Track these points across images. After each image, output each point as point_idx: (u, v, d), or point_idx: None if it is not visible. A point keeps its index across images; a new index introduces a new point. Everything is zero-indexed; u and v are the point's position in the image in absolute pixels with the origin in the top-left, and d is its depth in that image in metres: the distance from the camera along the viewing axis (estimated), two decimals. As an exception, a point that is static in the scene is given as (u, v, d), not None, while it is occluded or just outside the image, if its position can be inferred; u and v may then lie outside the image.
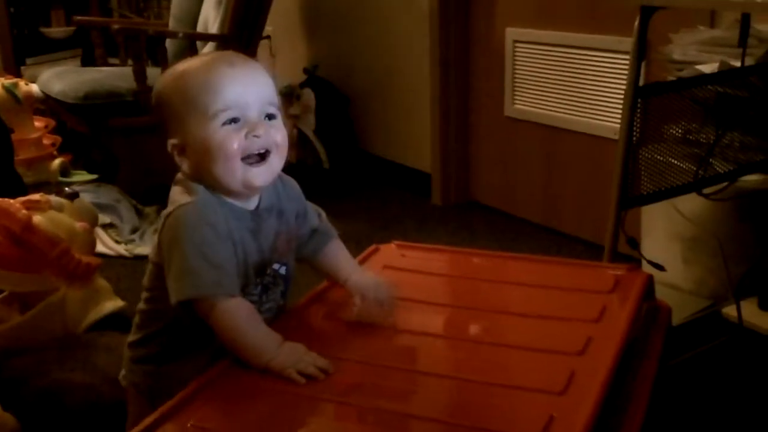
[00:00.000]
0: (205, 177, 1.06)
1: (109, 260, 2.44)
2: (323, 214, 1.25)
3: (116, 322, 1.86)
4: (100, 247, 2.34)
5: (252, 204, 1.11)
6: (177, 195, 1.08)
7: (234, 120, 1.04)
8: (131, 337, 1.17)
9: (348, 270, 1.22)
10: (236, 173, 1.05)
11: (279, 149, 1.08)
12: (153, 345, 1.13)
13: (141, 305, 1.16)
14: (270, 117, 1.07)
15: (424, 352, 1.12)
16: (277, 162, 1.08)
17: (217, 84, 1.04)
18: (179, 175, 1.11)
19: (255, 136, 1.05)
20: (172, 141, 1.09)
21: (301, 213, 1.20)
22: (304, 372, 1.01)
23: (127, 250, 2.58)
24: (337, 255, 1.24)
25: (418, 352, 1.12)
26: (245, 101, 1.05)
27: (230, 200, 1.08)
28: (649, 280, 1.31)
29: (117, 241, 2.63)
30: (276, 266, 1.14)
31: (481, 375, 1.04)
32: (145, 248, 2.53)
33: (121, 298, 1.97)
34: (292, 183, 1.20)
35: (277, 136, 1.07)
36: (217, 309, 1.01)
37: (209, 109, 1.04)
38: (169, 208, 1.06)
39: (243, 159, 1.05)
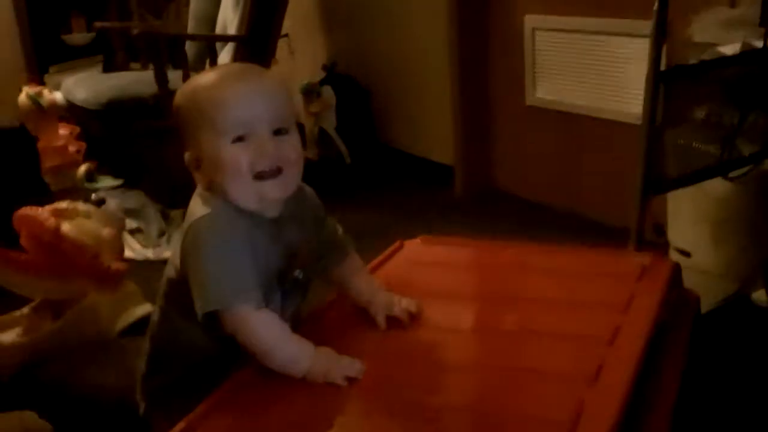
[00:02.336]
0: (221, 192, 1.06)
1: (137, 264, 2.46)
2: (340, 229, 1.24)
3: (146, 325, 1.88)
4: (127, 252, 2.36)
5: (272, 213, 1.10)
6: (195, 208, 1.08)
7: (243, 137, 1.04)
8: (143, 365, 1.17)
9: (365, 290, 1.20)
10: (248, 190, 1.05)
11: (293, 165, 1.07)
12: (172, 372, 1.13)
13: (152, 329, 1.16)
14: (280, 132, 1.06)
15: (453, 345, 1.12)
16: (292, 176, 1.08)
17: (226, 101, 1.04)
18: (199, 188, 1.11)
19: (263, 154, 1.04)
20: (188, 154, 1.09)
21: (319, 222, 1.20)
22: (346, 373, 1.01)
23: (154, 254, 2.60)
24: (353, 273, 1.22)
25: (447, 346, 1.12)
26: (254, 118, 1.04)
27: (249, 210, 1.07)
28: (677, 269, 1.30)
29: (144, 246, 2.65)
30: (297, 272, 1.14)
31: (511, 362, 1.05)
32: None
33: (150, 301, 1.99)
34: (311, 192, 1.20)
35: (290, 152, 1.06)
36: (246, 323, 1.01)
37: (219, 126, 1.03)
38: (188, 221, 1.06)
39: (254, 176, 1.04)
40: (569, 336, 1.09)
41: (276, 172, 1.05)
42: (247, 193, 1.05)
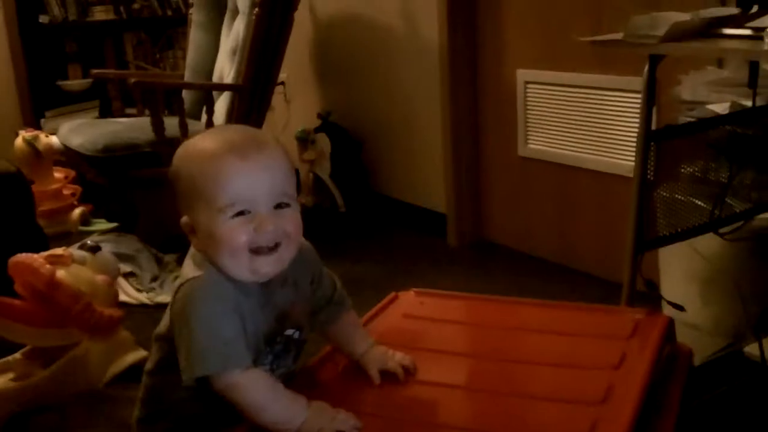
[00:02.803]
0: (213, 261, 1.05)
1: (131, 309, 2.45)
2: (339, 283, 1.23)
3: (138, 373, 1.88)
4: (121, 296, 2.36)
5: (263, 278, 1.08)
6: (187, 269, 1.07)
7: (242, 212, 1.02)
8: (138, 413, 1.16)
9: (359, 345, 1.20)
10: (242, 264, 1.03)
11: (290, 239, 1.05)
12: (165, 422, 1.12)
13: (146, 379, 1.15)
14: (281, 206, 1.05)
15: (445, 404, 1.12)
16: (287, 252, 1.06)
17: (225, 178, 1.01)
18: (192, 249, 1.10)
19: (263, 231, 1.02)
20: (184, 219, 1.08)
21: (315, 278, 1.19)
22: (340, 430, 1.01)
23: (148, 299, 2.60)
24: (350, 329, 1.22)
25: (439, 405, 1.12)
26: (254, 195, 1.02)
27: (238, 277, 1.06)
28: (670, 324, 1.31)
29: (138, 290, 2.65)
30: (290, 332, 1.13)
31: (502, 427, 1.04)
32: (166, 296, 2.55)
33: (143, 347, 1.99)
34: (309, 248, 1.17)
35: (288, 226, 1.05)
36: (234, 385, 1.00)
37: (216, 202, 1.01)
38: (179, 281, 1.06)
39: (251, 250, 1.03)
40: (562, 396, 1.09)
41: (273, 248, 1.04)
42: (240, 268, 1.04)
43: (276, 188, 1.04)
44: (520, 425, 1.05)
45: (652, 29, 1.40)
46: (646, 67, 1.49)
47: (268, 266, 1.05)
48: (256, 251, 1.03)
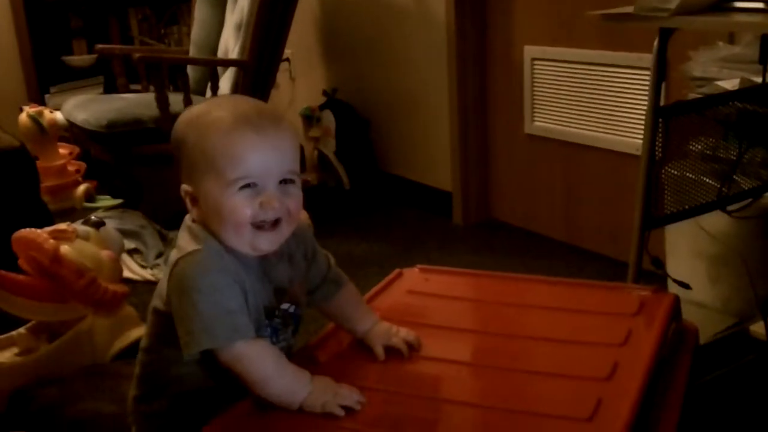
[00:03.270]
0: (213, 232, 1.05)
1: (135, 285, 2.46)
2: (332, 260, 1.23)
3: (142, 349, 1.88)
4: (125, 273, 2.36)
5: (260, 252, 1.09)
6: (184, 242, 1.06)
7: (249, 185, 1.02)
8: (135, 391, 1.15)
9: (361, 321, 1.20)
10: (244, 238, 1.03)
11: (291, 216, 1.06)
12: (164, 399, 1.11)
13: (141, 356, 1.14)
14: (286, 182, 1.05)
15: (449, 380, 1.12)
16: (287, 229, 1.06)
17: (240, 152, 1.01)
18: (187, 220, 1.09)
19: (268, 206, 1.03)
20: (185, 187, 1.07)
21: (310, 255, 1.18)
22: (343, 404, 1.01)
23: (152, 275, 2.60)
24: (350, 307, 1.21)
25: (443, 380, 1.12)
26: (264, 170, 1.02)
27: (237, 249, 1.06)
28: (676, 302, 1.30)
29: (142, 266, 2.65)
30: (285, 306, 1.12)
31: (507, 402, 1.04)
32: (170, 273, 2.55)
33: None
34: (303, 225, 1.17)
35: (291, 203, 1.05)
36: (240, 356, 1.00)
37: (226, 174, 1.01)
38: (176, 256, 1.05)
39: (253, 225, 1.03)
40: (567, 372, 1.08)
41: (274, 225, 1.05)
42: (242, 241, 1.04)
43: (285, 165, 1.04)
44: (525, 401, 1.04)
45: (664, 2, 1.38)
46: (656, 42, 1.47)
47: (266, 243, 1.05)
48: (258, 226, 1.04)
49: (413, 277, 1.46)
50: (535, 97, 2.77)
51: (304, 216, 1.25)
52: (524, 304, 1.34)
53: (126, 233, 2.65)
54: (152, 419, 1.13)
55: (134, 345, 1.90)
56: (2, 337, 1.87)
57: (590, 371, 1.07)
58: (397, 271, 1.47)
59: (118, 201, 3.27)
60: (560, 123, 2.69)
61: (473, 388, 1.12)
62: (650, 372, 1.07)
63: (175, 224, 3.03)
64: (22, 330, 1.90)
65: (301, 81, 3.71)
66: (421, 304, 1.35)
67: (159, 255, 2.72)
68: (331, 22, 3.59)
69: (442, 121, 3.04)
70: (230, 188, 1.02)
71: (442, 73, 2.98)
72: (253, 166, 1.02)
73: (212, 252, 1.03)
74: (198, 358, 1.03)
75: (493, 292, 1.42)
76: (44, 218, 2.31)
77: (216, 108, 1.07)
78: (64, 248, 1.80)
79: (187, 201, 1.08)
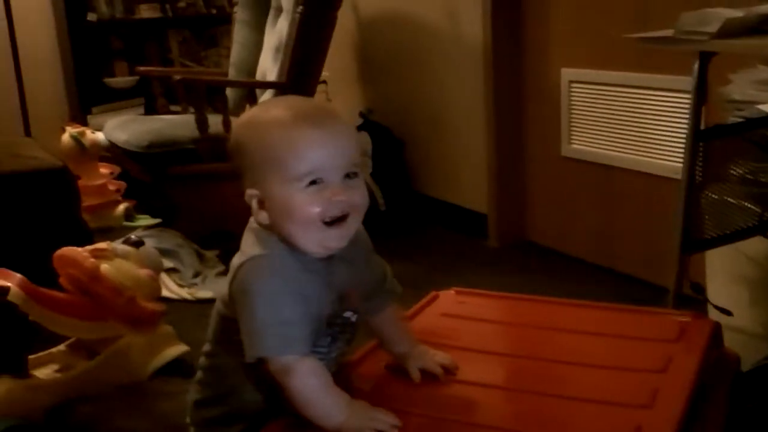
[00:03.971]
0: (281, 232, 1.04)
1: (172, 304, 2.48)
2: (390, 271, 1.22)
3: (179, 367, 1.90)
4: (163, 291, 2.38)
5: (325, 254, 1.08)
6: (249, 246, 1.06)
7: (315, 182, 1.02)
8: (196, 396, 1.15)
9: (400, 342, 1.20)
10: (314, 235, 1.03)
11: (358, 210, 1.05)
12: (223, 405, 1.12)
13: (204, 360, 1.15)
14: (351, 176, 1.04)
15: (484, 405, 1.11)
16: (355, 224, 1.06)
17: (302, 147, 1.01)
18: (252, 223, 1.08)
19: (336, 199, 1.02)
20: (250, 191, 1.06)
21: (368, 261, 1.18)
22: (378, 429, 1.00)
23: (189, 294, 2.62)
24: (394, 325, 1.21)
25: (478, 405, 1.11)
26: (329, 164, 1.02)
27: (303, 252, 1.05)
28: (717, 328, 1.28)
29: (180, 285, 2.67)
30: (347, 314, 1.12)
31: (543, 429, 1.03)
32: (207, 292, 2.57)
33: (183, 342, 2.01)
34: (362, 230, 1.15)
35: (357, 196, 1.04)
36: (287, 370, 1.00)
37: (292, 171, 1.01)
38: (240, 259, 1.05)
39: (323, 222, 1.02)
40: (606, 398, 1.07)
41: (342, 220, 1.04)
42: (311, 239, 1.03)
43: (347, 157, 1.04)
44: (563, 427, 1.03)
45: (704, 25, 1.36)
46: (696, 65, 1.46)
47: (336, 239, 1.05)
48: (327, 223, 1.03)
49: (449, 299, 1.45)
50: (572, 120, 2.76)
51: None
52: (561, 328, 1.33)
53: (164, 252, 2.68)
54: (211, 425, 1.14)
55: (171, 363, 1.93)
56: (42, 353, 1.90)
57: (630, 398, 1.05)
58: (433, 293, 1.46)
59: (157, 220, 3.31)
60: (597, 145, 2.68)
61: (509, 413, 1.11)
62: (691, 400, 1.05)
63: (212, 244, 3.06)
64: (61, 347, 1.93)
65: (338, 102, 3.73)
66: (456, 327, 1.35)
67: (196, 274, 2.75)
68: (367, 43, 3.62)
69: (477, 143, 3.03)
70: (297, 185, 1.01)
71: (477, 95, 2.98)
72: (318, 160, 1.01)
73: (276, 258, 1.03)
74: (253, 367, 1.03)
75: (530, 315, 1.41)
76: (84, 236, 2.35)
77: (272, 108, 1.08)
78: (104, 267, 1.83)
79: (254, 205, 1.06)
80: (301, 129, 1.02)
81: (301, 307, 1.01)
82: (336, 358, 1.13)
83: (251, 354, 1.00)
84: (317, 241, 1.04)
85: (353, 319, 1.13)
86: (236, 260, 1.06)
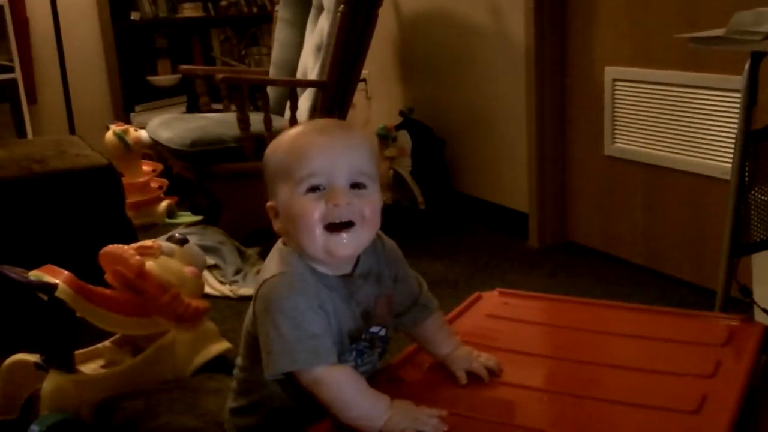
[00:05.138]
0: (293, 242, 1.07)
1: (214, 301, 2.50)
2: (424, 285, 1.23)
3: (222, 364, 1.91)
4: (205, 288, 2.40)
5: (345, 269, 1.09)
6: (271, 263, 1.08)
7: (317, 187, 1.03)
8: (232, 403, 1.18)
9: (444, 345, 1.20)
10: (317, 241, 1.04)
11: (366, 221, 1.05)
12: (256, 414, 1.14)
13: (237, 372, 1.17)
14: (358, 186, 1.05)
15: (529, 407, 1.11)
16: (364, 234, 1.06)
17: (305, 151, 1.04)
18: (279, 243, 1.11)
19: (335, 204, 1.03)
20: (269, 204, 1.10)
21: (400, 277, 1.18)
22: (422, 429, 1.00)
23: (231, 291, 2.64)
24: (436, 331, 1.21)
25: (523, 407, 1.11)
26: (331, 169, 1.03)
27: (322, 269, 1.07)
28: (766, 332, 1.26)
29: (221, 282, 2.70)
30: (375, 329, 1.13)
31: (592, 432, 1.02)
32: (248, 289, 2.59)
33: (226, 338, 2.02)
34: (392, 245, 1.17)
35: (365, 207, 1.05)
36: (320, 381, 1.01)
37: (295, 175, 1.04)
38: (262, 278, 1.07)
39: (325, 228, 1.04)
40: (653, 403, 1.06)
41: (347, 225, 1.04)
42: (315, 245, 1.04)
43: (354, 166, 1.05)
44: (609, 431, 1.02)
45: (757, 25, 1.34)
46: (748, 65, 1.43)
47: (342, 246, 1.05)
48: (329, 228, 1.04)
49: (492, 300, 1.45)
50: (615, 118, 2.73)
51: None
52: (607, 331, 1.32)
53: (206, 249, 2.70)
54: (245, 431, 1.16)
55: (214, 360, 1.94)
56: (88, 349, 1.92)
57: (678, 403, 1.04)
58: (476, 294, 1.46)
59: (199, 217, 3.35)
60: (641, 145, 2.64)
61: (554, 416, 1.10)
62: (740, 405, 1.04)
63: (253, 242, 3.09)
64: (107, 343, 1.95)
65: (378, 100, 3.73)
66: (501, 328, 1.35)
67: (238, 271, 2.77)
68: (408, 42, 3.61)
69: (519, 142, 3.01)
70: (298, 188, 1.04)
71: (519, 93, 2.96)
72: (319, 164, 1.03)
73: (296, 275, 1.05)
74: (282, 379, 1.04)
75: (574, 318, 1.40)
76: (128, 233, 2.38)
77: (297, 126, 1.12)
78: (149, 264, 1.85)
79: (271, 216, 1.10)
80: (309, 137, 1.06)
81: (323, 321, 1.03)
82: (367, 373, 1.13)
83: (276, 370, 1.01)
84: (321, 247, 1.04)
85: (382, 333, 1.14)
86: (259, 279, 1.09)
